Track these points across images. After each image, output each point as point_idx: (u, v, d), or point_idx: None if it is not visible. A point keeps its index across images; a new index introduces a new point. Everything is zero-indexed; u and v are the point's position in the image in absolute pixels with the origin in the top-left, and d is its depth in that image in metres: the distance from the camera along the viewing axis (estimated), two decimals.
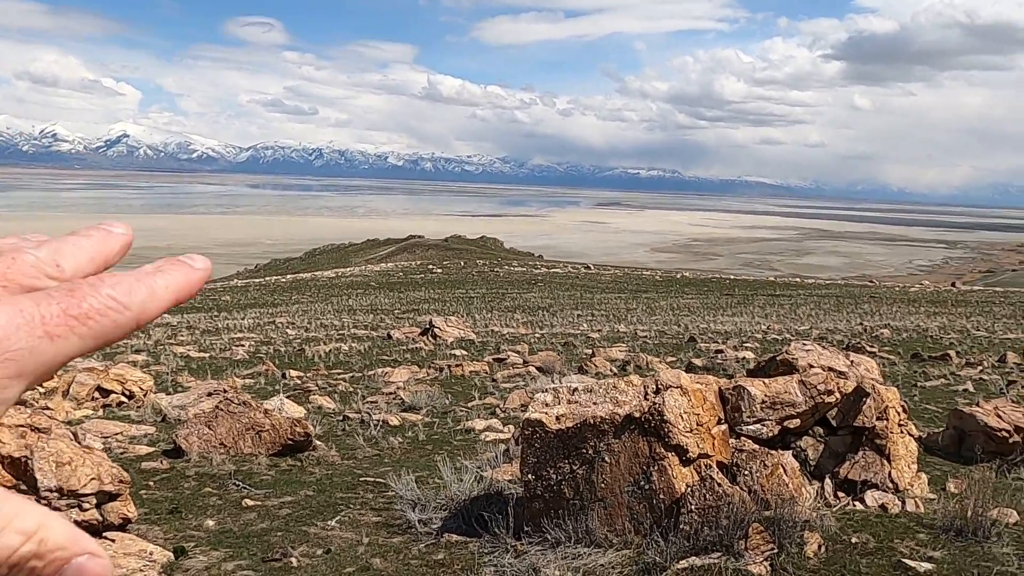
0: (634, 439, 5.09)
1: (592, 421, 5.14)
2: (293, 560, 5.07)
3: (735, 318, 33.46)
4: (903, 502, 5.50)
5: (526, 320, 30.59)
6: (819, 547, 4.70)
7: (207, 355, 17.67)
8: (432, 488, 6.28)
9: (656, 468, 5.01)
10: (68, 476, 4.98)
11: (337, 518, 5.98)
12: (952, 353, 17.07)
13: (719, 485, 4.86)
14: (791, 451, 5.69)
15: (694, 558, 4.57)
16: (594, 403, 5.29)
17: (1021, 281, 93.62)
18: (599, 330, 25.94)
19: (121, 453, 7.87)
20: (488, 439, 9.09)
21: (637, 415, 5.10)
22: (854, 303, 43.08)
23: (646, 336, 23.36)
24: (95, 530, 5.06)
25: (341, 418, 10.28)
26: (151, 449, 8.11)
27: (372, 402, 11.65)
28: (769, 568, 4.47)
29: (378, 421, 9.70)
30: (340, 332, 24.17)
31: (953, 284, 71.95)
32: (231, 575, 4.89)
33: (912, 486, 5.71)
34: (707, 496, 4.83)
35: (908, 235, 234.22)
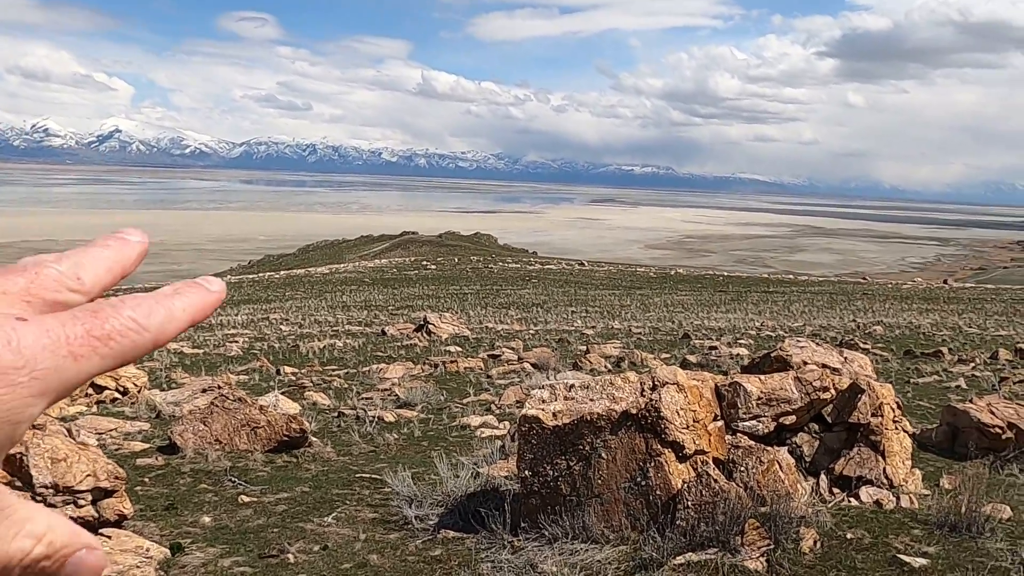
0: (631, 435, 5.11)
1: (589, 417, 5.15)
2: (290, 556, 5.07)
3: (729, 315, 33.55)
4: (898, 498, 5.53)
5: (520, 316, 30.60)
6: (815, 543, 4.72)
7: (201, 351, 17.63)
8: (428, 484, 6.29)
9: (653, 464, 5.03)
10: (63, 472, 4.97)
11: (334, 514, 5.98)
12: (944, 350, 17.16)
13: (715, 481, 4.88)
14: (787, 447, 5.72)
15: (691, 554, 4.59)
16: (591, 400, 5.30)
17: (1013, 278, 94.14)
18: (593, 326, 25.97)
19: (116, 449, 7.85)
20: (484, 435, 9.10)
21: (634, 412, 5.11)
22: (847, 300, 43.24)
23: (640, 333, 23.40)
24: (91, 526, 5.05)
25: (336, 414, 10.27)
26: (146, 445, 8.09)
27: (367, 398, 11.64)
28: (765, 564, 4.49)
29: (373, 417, 9.70)
30: (334, 328, 24.14)
31: (945, 281, 72.28)
32: (228, 571, 4.89)
33: (907, 482, 5.74)
34: (703, 492, 4.84)
35: (901, 232, 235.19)
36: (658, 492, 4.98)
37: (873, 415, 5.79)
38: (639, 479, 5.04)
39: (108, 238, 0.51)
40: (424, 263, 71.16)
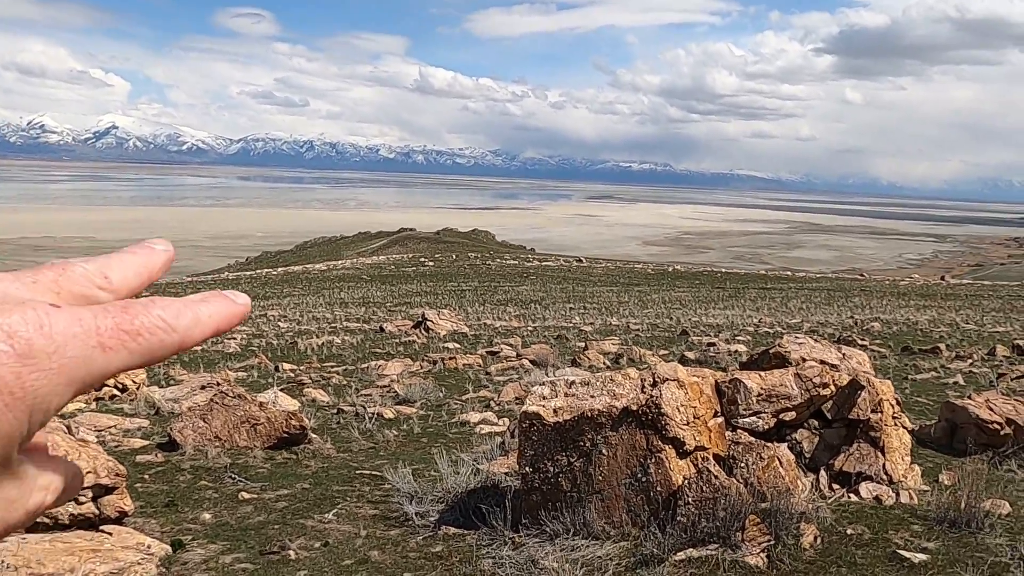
0: (631, 432, 5.11)
1: (589, 414, 5.16)
2: (291, 553, 5.08)
3: (727, 311, 33.58)
4: (897, 494, 5.55)
5: (518, 313, 30.61)
6: (815, 538, 4.74)
7: (199, 348, 17.61)
8: (428, 481, 6.29)
9: (653, 461, 5.03)
10: None
11: (334, 511, 5.98)
12: (942, 346, 17.20)
13: (716, 477, 4.89)
14: (786, 444, 5.73)
15: (691, 550, 4.60)
16: (591, 396, 5.31)
17: (1010, 275, 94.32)
18: (591, 323, 25.99)
19: (115, 446, 7.84)
20: (483, 432, 9.10)
21: (634, 408, 5.11)
22: (844, 296, 43.31)
23: (638, 329, 23.42)
24: (92, 523, 5.05)
25: (335, 411, 10.27)
26: (145, 442, 8.09)
27: (366, 395, 11.65)
28: (766, 559, 4.50)
29: (373, 414, 9.70)
30: (332, 325, 24.13)
31: (942, 278, 72.41)
32: (229, 568, 4.89)
33: (906, 478, 5.76)
34: (704, 488, 4.85)
35: (898, 229, 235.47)
36: (659, 488, 4.99)
37: (873, 411, 5.81)
38: (640, 475, 5.04)
39: (135, 246, 0.52)
40: (422, 260, 71.13)
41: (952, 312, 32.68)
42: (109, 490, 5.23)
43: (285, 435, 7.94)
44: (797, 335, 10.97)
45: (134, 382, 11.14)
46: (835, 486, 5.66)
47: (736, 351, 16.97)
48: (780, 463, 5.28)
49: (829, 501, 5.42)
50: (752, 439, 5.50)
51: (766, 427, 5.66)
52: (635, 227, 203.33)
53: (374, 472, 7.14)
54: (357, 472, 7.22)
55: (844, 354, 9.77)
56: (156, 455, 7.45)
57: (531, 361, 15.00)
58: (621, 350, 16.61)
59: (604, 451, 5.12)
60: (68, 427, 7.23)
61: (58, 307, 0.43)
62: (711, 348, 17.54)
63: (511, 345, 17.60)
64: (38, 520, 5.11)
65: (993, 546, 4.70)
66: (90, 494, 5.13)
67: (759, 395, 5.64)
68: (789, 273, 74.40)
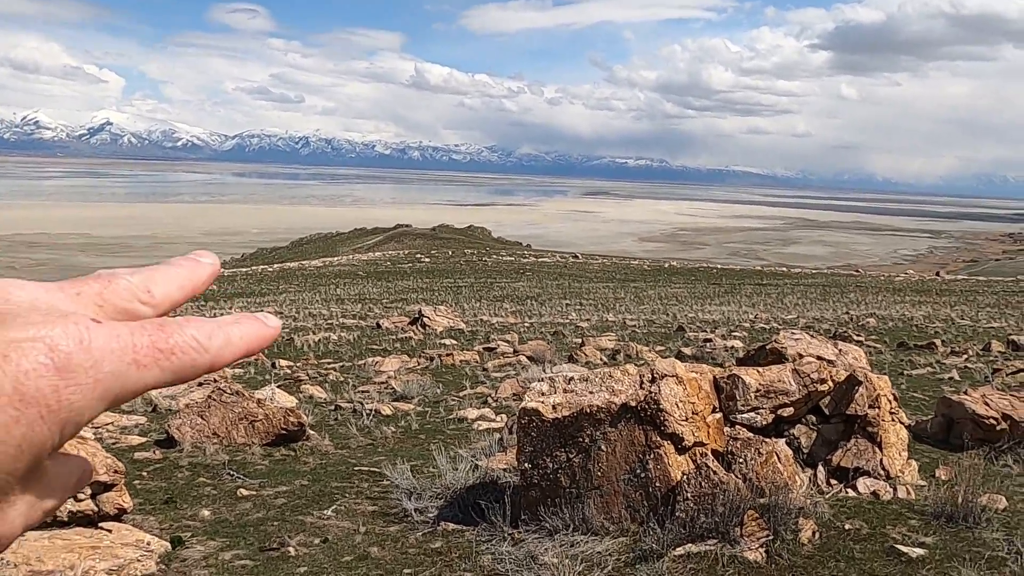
0: (630, 428, 5.13)
1: (588, 410, 5.17)
2: (291, 549, 5.08)
3: (723, 307, 33.64)
4: (894, 489, 5.57)
5: (515, 309, 30.63)
6: (813, 533, 4.76)
7: None
8: (427, 477, 6.30)
9: (652, 456, 5.05)
10: None
11: (333, 507, 5.99)
12: (937, 342, 17.27)
13: (715, 473, 4.91)
14: (784, 439, 5.75)
15: (690, 545, 4.61)
16: (590, 392, 5.32)
17: (1004, 270, 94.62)
18: (588, 319, 26.02)
19: (113, 443, 7.84)
20: (481, 428, 9.11)
21: (633, 404, 5.13)
22: (840, 292, 43.42)
23: (635, 325, 23.46)
24: (91, 520, 5.05)
25: (333, 407, 10.27)
26: (143, 439, 8.08)
27: (364, 391, 11.64)
28: (764, 554, 4.52)
29: (370, 410, 9.70)
30: (329, 322, 24.11)
31: (937, 273, 72.62)
32: (229, 564, 4.89)
33: (903, 473, 5.78)
34: (703, 484, 4.87)
35: (893, 225, 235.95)
36: (658, 484, 5.01)
37: (870, 407, 5.83)
38: (639, 471, 5.06)
39: (181, 259, 0.53)
40: (418, 256, 71.08)
41: (947, 308, 32.79)
42: (108, 487, 5.22)
43: (283, 432, 7.94)
44: (793, 331, 11.00)
45: None
46: (833, 481, 5.68)
47: (732, 347, 17.00)
48: (778, 458, 5.30)
49: (827, 496, 5.44)
50: (750, 435, 5.52)
51: (764, 423, 5.67)
52: (631, 223, 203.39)
53: (372, 468, 7.14)
54: (355, 468, 7.22)
55: (840, 350, 9.80)
56: (154, 452, 7.45)
57: (528, 357, 15.01)
58: (618, 346, 16.63)
59: (603, 447, 5.13)
60: None
61: (98, 322, 0.44)
62: (707, 344, 17.57)
63: (508, 341, 17.60)
64: None
65: (990, 541, 4.73)
66: (89, 491, 5.13)
67: (757, 391, 5.66)
68: (785, 269, 74.51)
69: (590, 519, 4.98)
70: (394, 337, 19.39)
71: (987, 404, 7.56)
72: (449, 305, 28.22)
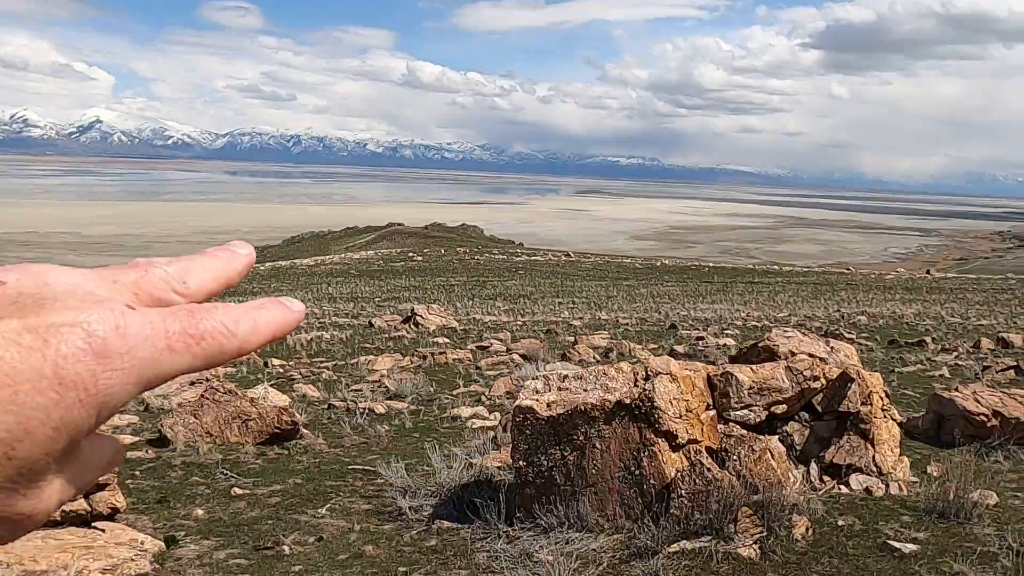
0: (624, 425, 5.14)
1: (583, 408, 5.18)
2: (285, 548, 5.07)
3: (715, 305, 33.75)
4: (887, 485, 5.61)
5: (508, 308, 30.65)
6: (807, 530, 4.78)
7: None
8: (422, 475, 6.30)
9: (646, 454, 5.06)
10: None
11: (327, 506, 5.98)
12: (928, 339, 17.37)
13: (708, 470, 4.93)
14: (778, 436, 5.78)
15: (685, 542, 4.63)
16: (585, 390, 5.33)
17: (993, 268, 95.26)
18: (580, 317, 26.06)
19: None
20: (475, 426, 9.11)
21: (627, 402, 5.14)
22: (831, 290, 43.63)
23: (627, 323, 23.50)
24: (84, 520, 5.03)
25: (326, 406, 10.25)
26: (135, 438, 8.05)
27: (357, 390, 11.62)
28: (759, 551, 4.54)
29: (364, 409, 9.69)
30: (321, 320, 24.05)
31: (928, 271, 73.07)
32: (223, 563, 4.88)
33: (895, 470, 5.82)
34: (697, 481, 4.89)
35: (883, 223, 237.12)
36: (652, 481, 5.02)
37: (862, 404, 5.86)
38: (633, 468, 5.07)
39: (218, 249, 0.53)
40: (410, 255, 70.99)
41: (937, 305, 32.99)
42: (100, 487, 5.20)
43: (276, 431, 7.93)
44: (785, 328, 11.04)
45: None
46: (826, 478, 5.72)
47: (725, 345, 17.07)
48: (772, 455, 5.33)
49: (820, 493, 5.47)
50: (744, 432, 5.55)
51: (758, 420, 5.70)
52: (623, 222, 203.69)
53: (367, 467, 7.13)
54: (349, 467, 7.21)
55: (832, 347, 9.84)
56: (147, 451, 7.42)
57: (521, 356, 15.02)
58: (611, 344, 16.66)
59: (597, 445, 5.14)
60: None
61: (133, 309, 0.45)
62: (700, 342, 17.63)
63: (501, 340, 17.61)
64: None
65: (981, 536, 4.77)
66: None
67: (751, 388, 5.68)
68: (776, 267, 74.80)
69: (585, 516, 5.00)
70: (387, 336, 19.37)
71: (978, 401, 7.62)
72: (442, 304, 28.20)
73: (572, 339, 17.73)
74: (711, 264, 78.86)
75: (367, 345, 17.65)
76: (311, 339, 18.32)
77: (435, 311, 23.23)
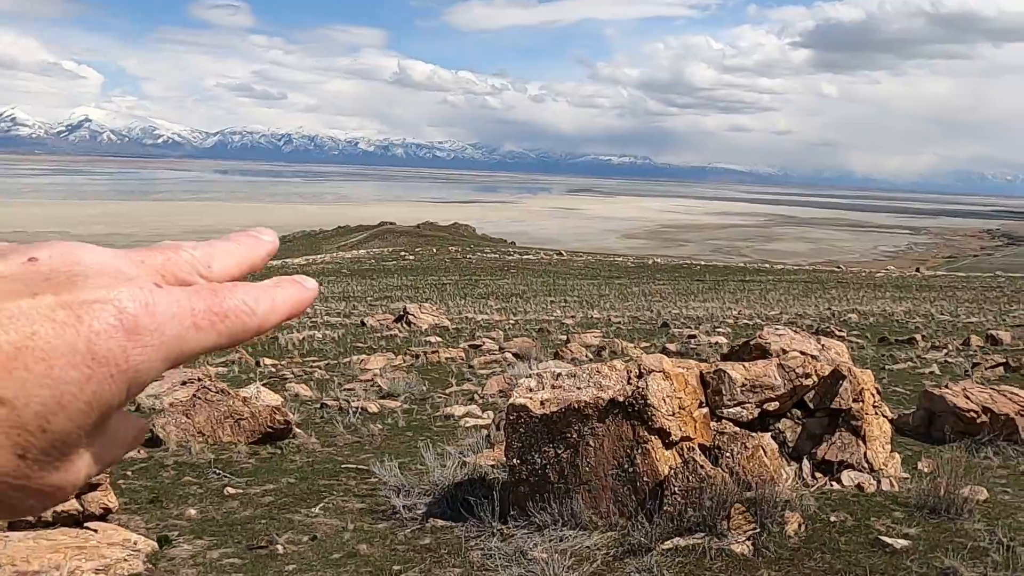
0: (618, 423, 5.15)
1: (576, 406, 5.19)
2: (279, 547, 5.07)
3: (706, 303, 33.86)
4: (878, 481, 5.64)
5: (500, 307, 30.65)
6: (799, 526, 4.81)
7: None
8: (415, 474, 6.30)
9: (640, 451, 5.08)
10: None
11: (321, 505, 5.97)
12: (918, 337, 17.48)
13: (702, 467, 4.95)
14: (770, 433, 5.80)
15: (678, 539, 4.65)
16: (578, 388, 5.34)
17: (982, 266, 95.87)
18: (573, 316, 26.09)
19: None
20: (468, 425, 9.12)
21: (621, 399, 5.15)
22: (822, 288, 43.83)
23: (620, 322, 23.55)
24: (76, 520, 5.01)
25: (319, 405, 10.23)
26: None
27: (349, 389, 11.60)
28: (752, 547, 4.57)
29: (357, 408, 9.67)
30: (313, 320, 23.99)
31: (917, 269, 73.48)
32: (217, 563, 4.87)
33: (886, 466, 5.86)
34: (690, 478, 4.91)
35: (873, 221, 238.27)
36: (645, 478, 5.04)
37: (854, 401, 5.90)
38: (626, 466, 5.09)
39: (242, 234, 0.54)
40: (402, 253, 70.90)
41: (927, 303, 33.19)
42: (92, 487, 5.18)
43: (269, 430, 7.91)
44: (777, 327, 11.09)
45: None
46: (818, 474, 5.75)
47: (716, 343, 17.12)
48: (764, 452, 5.35)
49: (812, 489, 5.50)
50: (737, 429, 5.57)
51: (750, 417, 5.72)
52: (615, 220, 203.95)
53: (360, 466, 7.13)
54: (343, 466, 7.20)
55: (823, 345, 9.90)
56: (139, 451, 7.38)
57: (514, 354, 15.03)
58: (603, 343, 16.69)
59: (591, 442, 5.15)
60: None
61: (160, 287, 0.46)
62: (692, 340, 17.68)
63: (493, 338, 17.61)
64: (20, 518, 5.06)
65: (972, 531, 4.81)
66: None
67: (743, 385, 5.71)
68: (767, 265, 75.07)
69: (579, 514, 5.01)
70: (379, 335, 19.34)
71: (967, 397, 7.67)
72: (434, 303, 28.18)
73: (565, 338, 17.76)
74: (702, 262, 79.08)
75: (359, 344, 17.62)
76: (303, 338, 18.28)
77: (427, 310, 23.21)
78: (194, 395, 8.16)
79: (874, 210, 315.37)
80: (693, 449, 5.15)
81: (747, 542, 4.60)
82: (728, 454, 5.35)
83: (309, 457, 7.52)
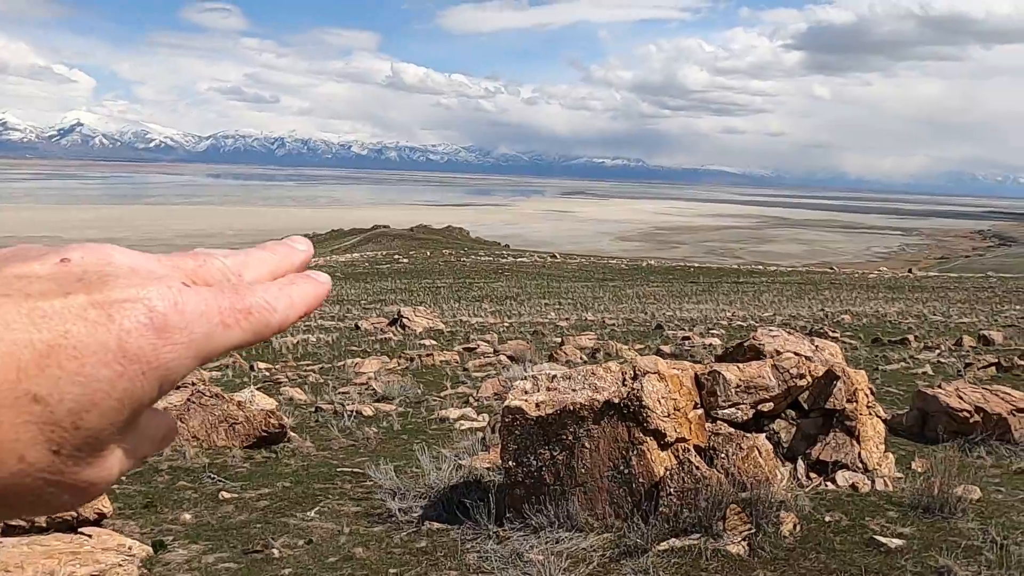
0: (613, 425, 5.16)
1: (572, 407, 5.20)
2: (275, 551, 5.05)
3: (700, 305, 33.92)
4: (872, 481, 5.66)
5: (494, 309, 30.64)
6: (794, 526, 4.83)
7: None
8: (411, 477, 6.30)
9: (635, 453, 5.09)
10: None
11: (316, 509, 5.96)
12: (911, 337, 17.56)
13: (697, 468, 4.96)
14: (765, 434, 5.82)
15: (674, 540, 4.66)
16: (573, 390, 5.35)
17: (974, 267, 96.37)
18: (567, 318, 26.10)
19: None
20: (463, 428, 9.11)
21: (616, 401, 5.16)
22: (815, 290, 43.97)
23: (614, 324, 23.57)
24: (70, 525, 4.99)
25: (314, 409, 10.21)
26: None
27: (344, 393, 11.58)
28: (747, 547, 4.58)
29: (352, 412, 9.66)
30: (307, 323, 23.93)
31: (909, 270, 73.79)
32: (212, 567, 4.86)
33: (880, 466, 5.88)
34: (685, 479, 4.92)
35: (866, 223, 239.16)
36: (641, 480, 5.05)
37: (848, 401, 5.92)
38: (622, 467, 5.10)
39: (276, 244, 0.55)
40: (396, 257, 70.84)
41: (919, 304, 33.33)
42: None
43: (264, 434, 7.89)
44: (770, 328, 11.12)
45: None
46: (812, 475, 5.77)
47: (711, 344, 17.16)
48: (759, 453, 5.37)
49: (807, 489, 5.52)
50: (731, 430, 5.58)
51: (745, 418, 5.74)
52: (608, 223, 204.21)
53: (355, 469, 7.12)
54: (338, 470, 7.19)
55: (817, 346, 9.92)
56: None
57: (509, 357, 15.03)
58: (597, 345, 16.71)
59: (586, 444, 5.16)
60: None
61: (188, 286, 0.47)
62: (686, 342, 17.71)
63: (488, 341, 17.61)
64: (14, 523, 5.02)
65: (966, 530, 4.83)
66: None
67: (738, 386, 5.72)
68: (761, 267, 75.28)
69: (574, 516, 5.01)
70: (373, 338, 19.31)
71: (960, 397, 7.71)
72: (428, 306, 28.16)
73: (559, 340, 17.77)
74: (696, 264, 79.24)
75: (354, 348, 17.59)
76: (297, 342, 18.24)
77: (422, 313, 23.19)
78: (188, 399, 8.13)
79: (866, 211, 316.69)
80: (688, 450, 5.17)
81: (743, 542, 4.61)
82: (723, 455, 5.36)
83: (304, 461, 7.51)
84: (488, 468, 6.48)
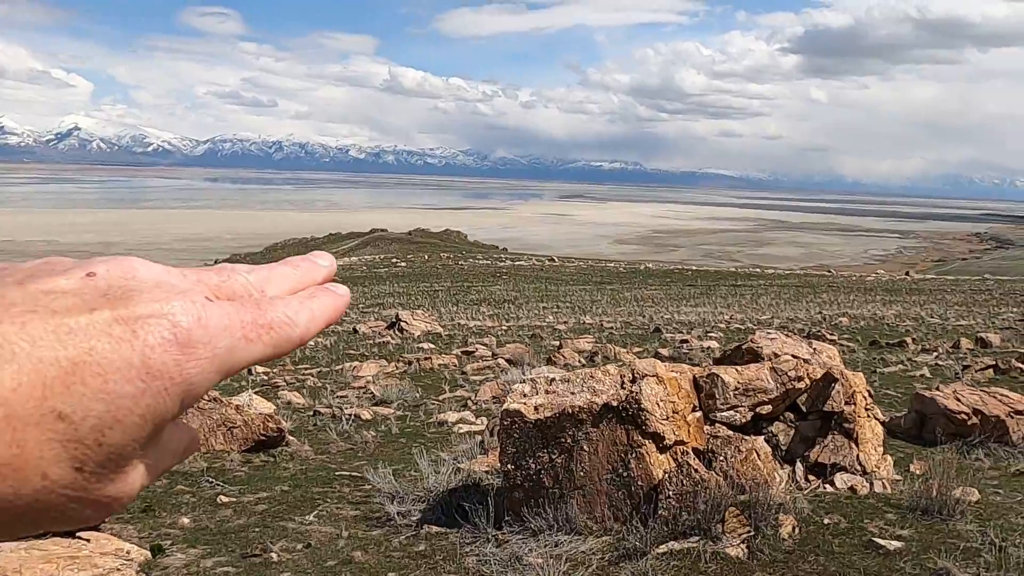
0: (612, 427, 5.16)
1: (570, 410, 5.20)
2: (273, 555, 5.05)
3: (698, 308, 33.93)
4: (871, 484, 5.67)
5: (492, 313, 30.63)
6: (793, 529, 4.83)
7: None
8: (409, 481, 6.29)
9: (634, 455, 5.09)
10: None
11: (315, 512, 5.96)
12: (908, 340, 17.58)
13: (696, 471, 4.96)
14: (763, 436, 5.82)
15: (673, 542, 4.66)
16: (572, 393, 5.35)
17: (971, 269, 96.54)
18: (565, 322, 26.10)
19: None
20: (462, 431, 9.11)
21: (615, 404, 5.17)
22: (813, 292, 44.02)
23: (612, 327, 23.58)
24: (68, 530, 4.98)
25: (312, 413, 10.20)
26: None
27: (342, 396, 11.58)
28: (746, 550, 4.58)
29: (350, 415, 9.66)
30: None
31: (907, 273, 73.89)
32: (211, 572, 4.85)
33: (879, 468, 5.89)
34: (684, 482, 4.92)
35: (863, 225, 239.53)
36: (640, 483, 5.05)
37: (846, 403, 5.93)
38: (621, 470, 5.10)
39: (299, 259, 0.55)
40: (394, 260, 70.83)
41: (917, 306, 33.38)
42: None
43: (262, 438, 7.88)
44: (768, 331, 11.14)
45: None
46: (811, 477, 5.77)
47: (709, 347, 17.16)
48: (758, 456, 5.37)
49: (805, 492, 5.52)
50: (730, 432, 5.59)
51: (743, 421, 5.75)
52: (606, 226, 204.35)
53: (354, 473, 7.11)
54: (336, 473, 7.18)
55: (815, 348, 9.93)
56: None
57: (507, 360, 15.03)
58: (596, 348, 16.71)
59: (585, 447, 5.16)
60: None
61: (211, 300, 0.47)
62: (684, 345, 17.72)
63: (486, 345, 17.61)
64: None
65: (964, 532, 4.84)
66: None
67: (736, 389, 5.73)
68: (758, 270, 75.36)
69: (573, 519, 5.01)
70: (371, 342, 19.30)
71: (958, 400, 7.72)
72: (426, 309, 28.15)
73: (557, 343, 17.77)
74: (694, 267, 79.31)
75: (352, 351, 17.58)
76: None
77: (420, 317, 23.18)
78: None
79: (864, 214, 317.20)
80: (687, 453, 5.17)
81: (741, 545, 4.61)
82: (722, 457, 5.37)
83: (302, 465, 7.50)
84: (487, 471, 6.48)
